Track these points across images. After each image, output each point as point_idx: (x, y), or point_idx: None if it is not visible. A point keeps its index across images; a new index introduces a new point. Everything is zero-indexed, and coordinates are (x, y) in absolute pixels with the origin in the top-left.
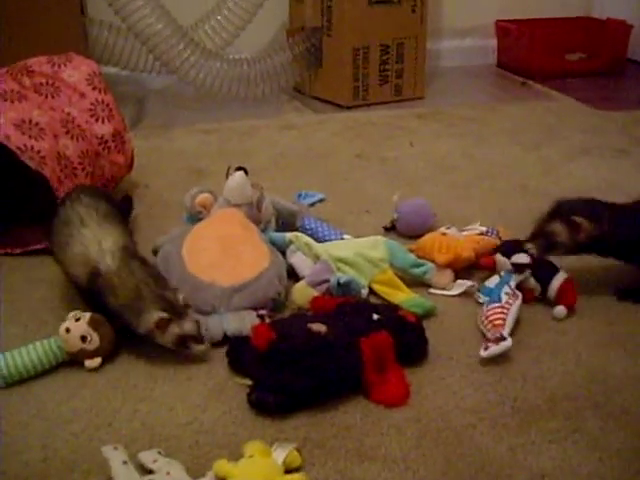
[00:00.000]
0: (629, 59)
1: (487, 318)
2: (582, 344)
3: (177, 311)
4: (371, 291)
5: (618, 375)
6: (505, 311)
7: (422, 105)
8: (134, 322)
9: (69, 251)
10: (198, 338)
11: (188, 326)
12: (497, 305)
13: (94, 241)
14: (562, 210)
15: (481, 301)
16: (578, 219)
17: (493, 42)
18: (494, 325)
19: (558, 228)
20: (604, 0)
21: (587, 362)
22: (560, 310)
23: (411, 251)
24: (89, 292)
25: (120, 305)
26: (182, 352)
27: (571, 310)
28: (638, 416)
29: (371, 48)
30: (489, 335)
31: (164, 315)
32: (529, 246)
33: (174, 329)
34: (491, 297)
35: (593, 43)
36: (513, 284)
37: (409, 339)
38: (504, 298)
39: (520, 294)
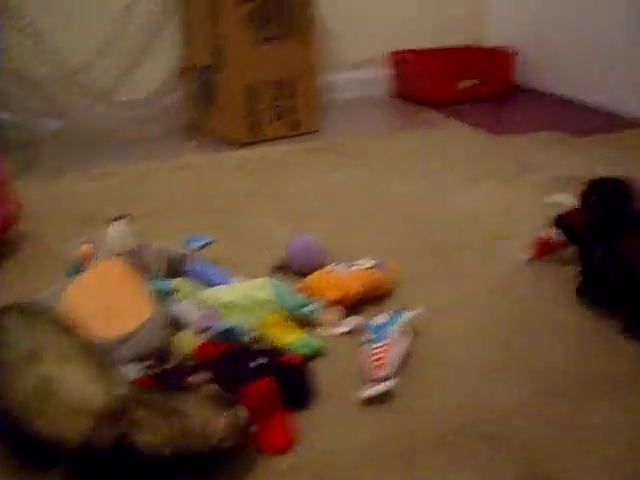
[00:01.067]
0: (519, 85)
1: (371, 357)
2: (471, 374)
3: (225, 399)
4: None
5: (506, 403)
6: (390, 350)
7: (317, 139)
8: (198, 442)
9: (46, 402)
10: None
11: (242, 411)
12: (382, 344)
13: (87, 378)
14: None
15: (364, 339)
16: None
17: (388, 72)
18: (376, 365)
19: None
20: (491, 28)
21: (476, 392)
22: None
23: (299, 290)
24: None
25: (165, 436)
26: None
27: None
28: (526, 442)
29: (263, 85)
30: (372, 374)
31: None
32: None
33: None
34: (377, 335)
35: (483, 70)
36: (403, 322)
37: (293, 382)
38: (390, 337)
39: (412, 331)
